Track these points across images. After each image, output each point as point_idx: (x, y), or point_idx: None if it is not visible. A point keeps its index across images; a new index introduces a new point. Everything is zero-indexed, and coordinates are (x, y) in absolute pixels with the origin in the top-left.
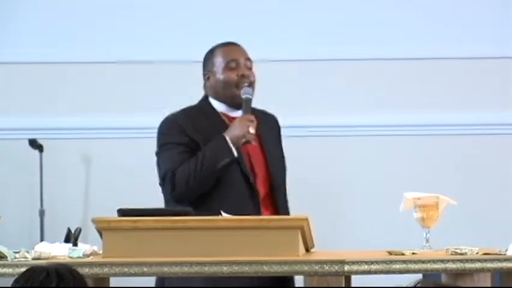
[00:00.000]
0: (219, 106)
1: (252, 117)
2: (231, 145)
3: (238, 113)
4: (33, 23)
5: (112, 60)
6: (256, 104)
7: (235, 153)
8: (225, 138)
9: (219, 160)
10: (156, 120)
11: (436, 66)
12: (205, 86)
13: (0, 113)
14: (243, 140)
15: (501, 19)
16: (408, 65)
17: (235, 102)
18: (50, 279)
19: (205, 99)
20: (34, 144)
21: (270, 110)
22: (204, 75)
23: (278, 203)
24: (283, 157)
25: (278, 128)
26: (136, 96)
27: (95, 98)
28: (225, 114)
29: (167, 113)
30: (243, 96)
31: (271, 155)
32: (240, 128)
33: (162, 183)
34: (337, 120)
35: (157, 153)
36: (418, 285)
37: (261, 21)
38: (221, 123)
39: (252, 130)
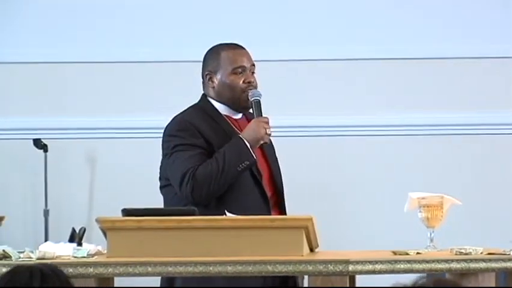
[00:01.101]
0: (220, 107)
1: (267, 119)
2: (250, 148)
3: (239, 116)
4: (37, 23)
5: (117, 60)
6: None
7: (255, 156)
8: (243, 140)
9: (239, 163)
10: (161, 121)
11: (437, 66)
12: (205, 86)
13: (5, 113)
14: (261, 142)
15: (502, 19)
16: (409, 65)
17: (239, 106)
18: (33, 279)
19: (204, 99)
20: (39, 144)
21: (273, 110)
22: (205, 74)
23: (283, 204)
24: (276, 158)
25: None
26: (142, 96)
27: (100, 98)
28: (227, 116)
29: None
30: (252, 99)
31: (270, 156)
32: (258, 130)
33: (179, 185)
34: (342, 121)
35: (168, 155)
36: (419, 283)
37: (262, 21)
38: (227, 125)
39: (268, 131)
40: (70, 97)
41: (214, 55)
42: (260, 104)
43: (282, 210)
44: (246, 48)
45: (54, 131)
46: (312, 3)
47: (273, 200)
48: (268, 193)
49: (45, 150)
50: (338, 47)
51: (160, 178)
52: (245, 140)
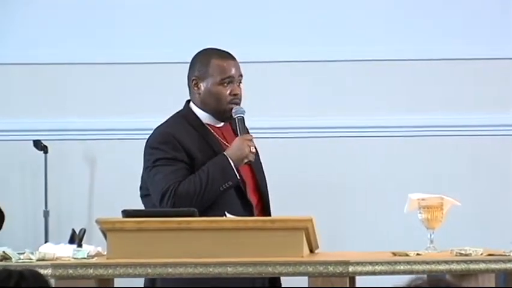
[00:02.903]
0: (202, 116)
1: (251, 136)
2: (234, 167)
3: (222, 124)
4: (37, 24)
5: (117, 62)
6: (263, 105)
7: (238, 176)
8: (228, 159)
9: (222, 182)
10: (161, 122)
11: (437, 67)
12: (190, 91)
13: (5, 114)
14: (246, 161)
15: (502, 20)
16: (410, 66)
17: (222, 117)
18: (10, 280)
19: (187, 108)
20: (39, 145)
21: (275, 111)
22: (191, 79)
23: (269, 210)
24: (261, 163)
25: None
26: (141, 97)
27: (100, 100)
28: (209, 125)
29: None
30: (236, 116)
31: (254, 163)
32: (242, 149)
33: (160, 201)
34: (342, 122)
35: (149, 169)
36: (413, 284)
37: (260, 23)
38: (210, 135)
39: (253, 149)
40: (69, 98)
41: (203, 61)
42: (244, 121)
43: (268, 216)
44: (236, 59)
45: (55, 132)
46: (312, 4)
47: (259, 207)
48: (254, 201)
49: (46, 152)
50: (343, 47)
51: (140, 187)
52: (229, 159)
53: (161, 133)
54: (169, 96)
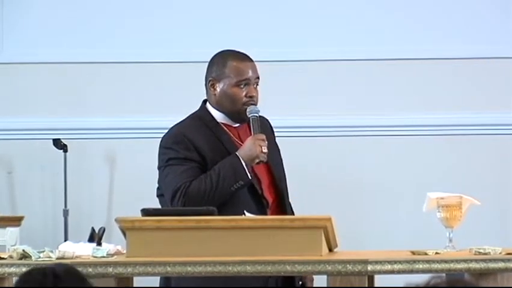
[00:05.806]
0: (218, 116)
1: (263, 136)
2: (246, 167)
3: (237, 124)
4: (56, 24)
5: (137, 61)
6: (278, 105)
7: (250, 176)
8: (239, 159)
9: (233, 182)
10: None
11: (437, 67)
12: (207, 91)
13: (25, 113)
14: (257, 160)
15: (502, 19)
16: (412, 65)
17: (238, 118)
18: (46, 280)
19: (203, 108)
20: (58, 144)
21: (291, 111)
22: (208, 80)
23: (286, 208)
24: (281, 159)
25: (272, 129)
26: (161, 97)
27: (120, 99)
28: (225, 124)
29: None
30: (250, 116)
31: (272, 159)
32: (254, 149)
33: (171, 199)
34: (360, 121)
35: (162, 168)
36: (432, 283)
37: (272, 22)
38: (225, 134)
39: (265, 149)
40: (89, 97)
41: (220, 62)
42: (258, 121)
43: (285, 214)
44: (253, 61)
45: (74, 131)
46: (324, 4)
47: (275, 205)
48: (269, 199)
49: (65, 151)
50: (350, 48)
51: (158, 188)
52: (241, 159)
53: (173, 133)
54: (189, 96)
